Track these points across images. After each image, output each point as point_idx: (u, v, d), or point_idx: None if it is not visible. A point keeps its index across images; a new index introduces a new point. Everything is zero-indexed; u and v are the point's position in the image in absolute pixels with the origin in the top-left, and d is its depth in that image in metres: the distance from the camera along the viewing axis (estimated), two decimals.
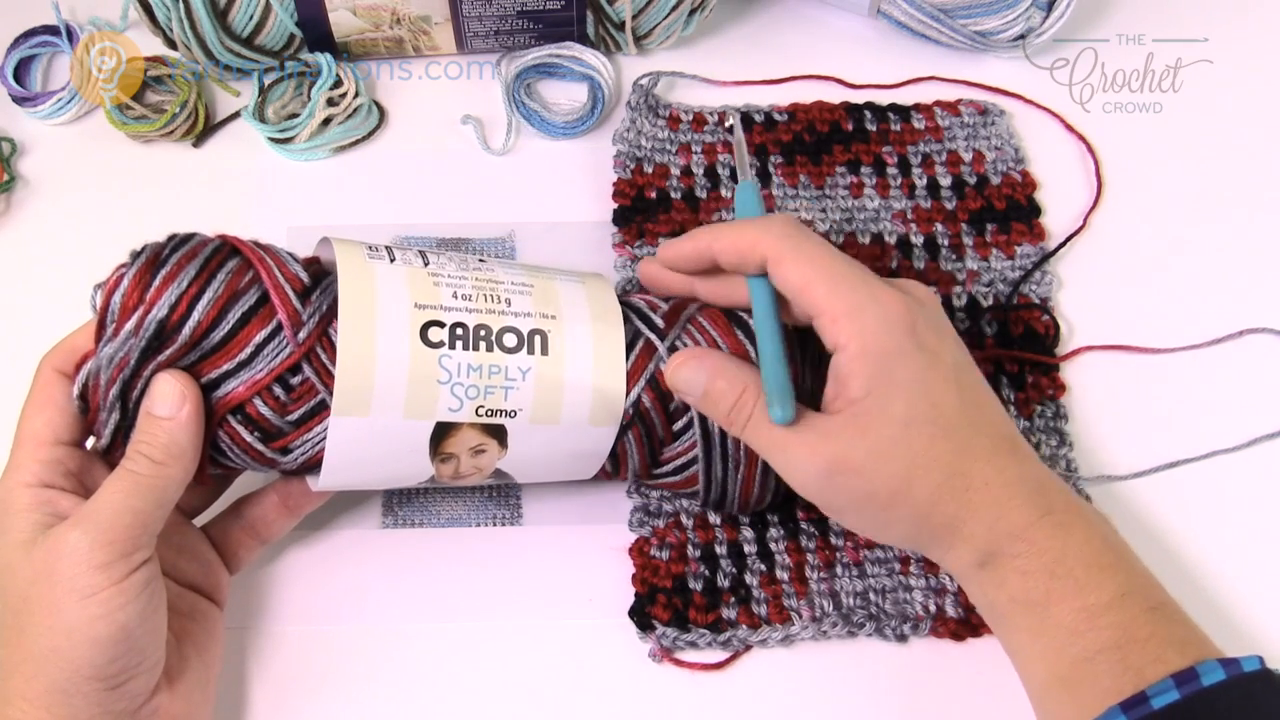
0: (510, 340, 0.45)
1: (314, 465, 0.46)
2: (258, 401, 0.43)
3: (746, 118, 0.64)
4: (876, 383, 0.43)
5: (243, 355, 0.43)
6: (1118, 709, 0.39)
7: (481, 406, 0.45)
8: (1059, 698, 0.42)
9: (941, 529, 0.44)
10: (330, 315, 0.44)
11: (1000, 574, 0.43)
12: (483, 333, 0.45)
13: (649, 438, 0.48)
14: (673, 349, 0.48)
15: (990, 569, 0.43)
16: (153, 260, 0.43)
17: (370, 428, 0.44)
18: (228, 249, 0.44)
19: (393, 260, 0.46)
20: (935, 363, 0.44)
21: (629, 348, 0.48)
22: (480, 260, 0.48)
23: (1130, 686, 0.40)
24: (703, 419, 0.48)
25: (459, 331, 0.45)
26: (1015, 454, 0.44)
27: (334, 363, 0.43)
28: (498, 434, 0.46)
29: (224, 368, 0.43)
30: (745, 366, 0.46)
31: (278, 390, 0.43)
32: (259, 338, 0.43)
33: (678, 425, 0.48)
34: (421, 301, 0.45)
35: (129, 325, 0.42)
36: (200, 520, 0.50)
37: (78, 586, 0.40)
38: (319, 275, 0.45)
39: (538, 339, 0.46)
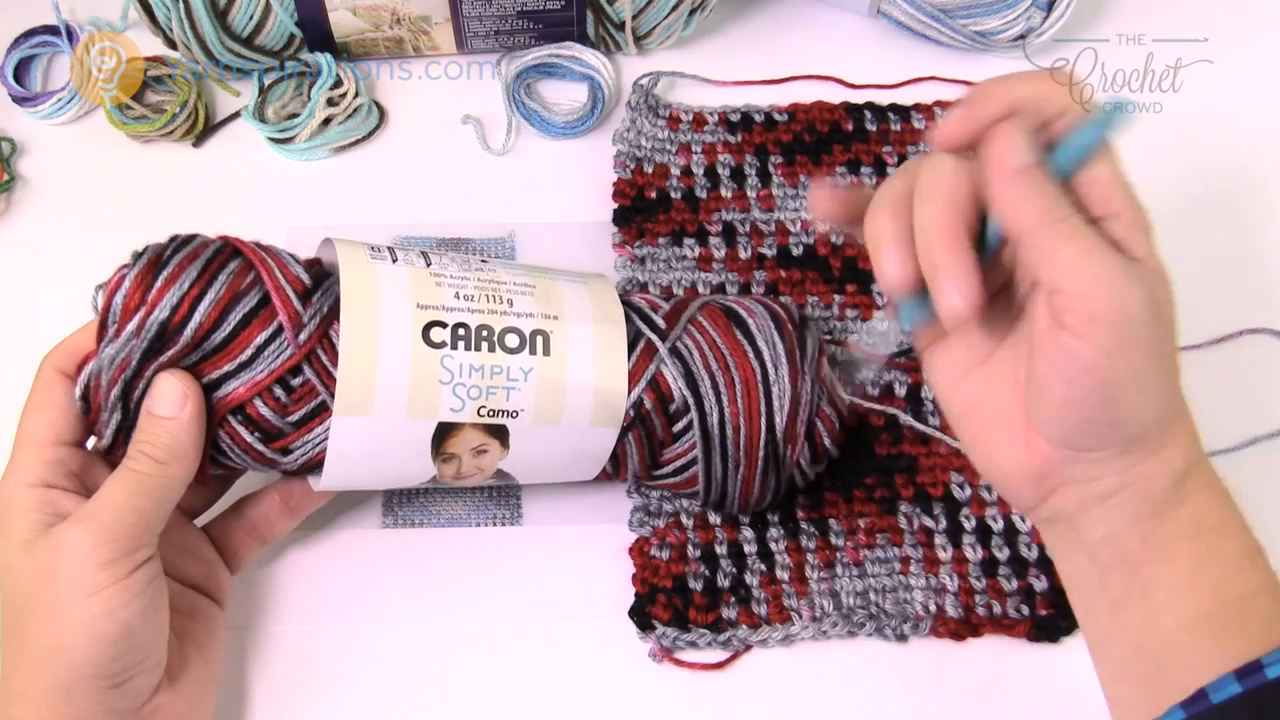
0: (512, 341, 0.45)
1: (315, 466, 0.46)
2: (258, 402, 0.43)
3: (746, 118, 0.64)
4: (1154, 248, 0.40)
5: (243, 356, 0.43)
6: (1231, 676, 0.37)
7: (483, 407, 0.45)
8: (1200, 638, 0.39)
9: (1171, 421, 0.40)
10: (331, 317, 0.44)
11: (1185, 490, 0.40)
12: (485, 333, 0.45)
13: (649, 439, 0.48)
14: (673, 350, 0.48)
15: (1181, 484, 0.40)
16: (154, 261, 0.43)
17: (372, 427, 0.44)
18: (229, 250, 0.44)
19: (395, 261, 0.46)
20: None
21: (630, 348, 0.48)
22: (482, 261, 0.48)
23: (1277, 636, 0.38)
24: (703, 419, 0.48)
25: (461, 332, 0.45)
26: None
27: (335, 364, 0.43)
28: (499, 434, 0.46)
29: (225, 368, 0.43)
30: None
31: (278, 391, 0.43)
32: (260, 339, 0.43)
33: (678, 426, 0.48)
34: (424, 302, 0.45)
35: (131, 326, 0.42)
36: (201, 520, 0.50)
37: (80, 584, 0.40)
38: (320, 276, 0.45)
39: (540, 339, 0.46)
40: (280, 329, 0.43)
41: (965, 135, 0.39)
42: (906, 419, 0.55)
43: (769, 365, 0.48)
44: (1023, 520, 0.54)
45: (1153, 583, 0.40)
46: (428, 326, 0.44)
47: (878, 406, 0.55)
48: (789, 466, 0.49)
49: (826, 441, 0.49)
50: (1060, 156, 0.39)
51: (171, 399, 0.42)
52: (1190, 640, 0.39)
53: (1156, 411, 0.39)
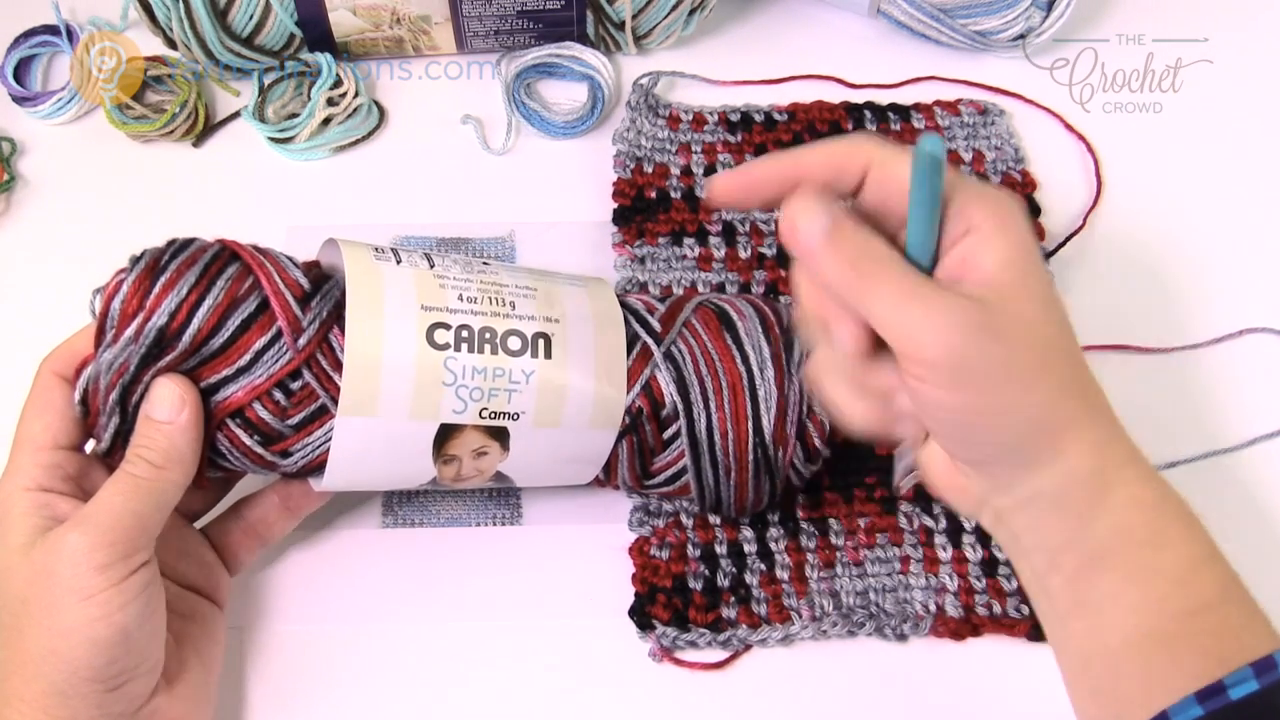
0: (515, 343, 0.46)
1: (315, 468, 0.46)
2: (257, 406, 0.43)
3: (746, 117, 0.64)
4: (1014, 260, 0.38)
5: (242, 361, 0.43)
6: (1193, 698, 0.36)
7: (485, 409, 0.45)
8: (1148, 657, 0.38)
9: (1062, 427, 0.39)
10: (331, 321, 0.44)
11: (1109, 499, 0.39)
12: (488, 335, 0.45)
13: (640, 446, 0.48)
14: (668, 354, 0.48)
15: (1098, 490, 0.39)
16: (152, 266, 0.43)
17: (375, 428, 0.44)
18: (227, 255, 0.44)
19: (399, 262, 0.46)
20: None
21: (627, 352, 0.48)
22: (484, 263, 0.48)
23: (1231, 651, 0.37)
24: (691, 425, 0.47)
25: (464, 334, 0.45)
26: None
27: (335, 368, 0.43)
28: (500, 436, 0.46)
29: (223, 373, 0.43)
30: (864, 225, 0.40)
31: (278, 395, 0.43)
32: (259, 344, 0.43)
33: (668, 433, 0.48)
34: (428, 304, 0.45)
35: (129, 332, 0.42)
36: (200, 523, 0.50)
37: (76, 588, 0.40)
38: (320, 280, 0.45)
39: (541, 342, 0.46)
40: (279, 334, 0.43)
41: (736, 194, 0.41)
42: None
43: (755, 369, 0.48)
44: None
45: (1090, 595, 0.39)
46: (432, 328, 0.44)
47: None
48: (782, 469, 0.49)
49: (817, 442, 0.49)
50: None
51: (169, 404, 0.42)
52: (1139, 658, 0.38)
53: (1026, 429, 0.38)
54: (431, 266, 0.46)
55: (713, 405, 0.47)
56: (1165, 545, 0.39)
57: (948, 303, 0.37)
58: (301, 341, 0.43)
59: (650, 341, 0.48)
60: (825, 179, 0.40)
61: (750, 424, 0.47)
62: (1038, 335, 0.38)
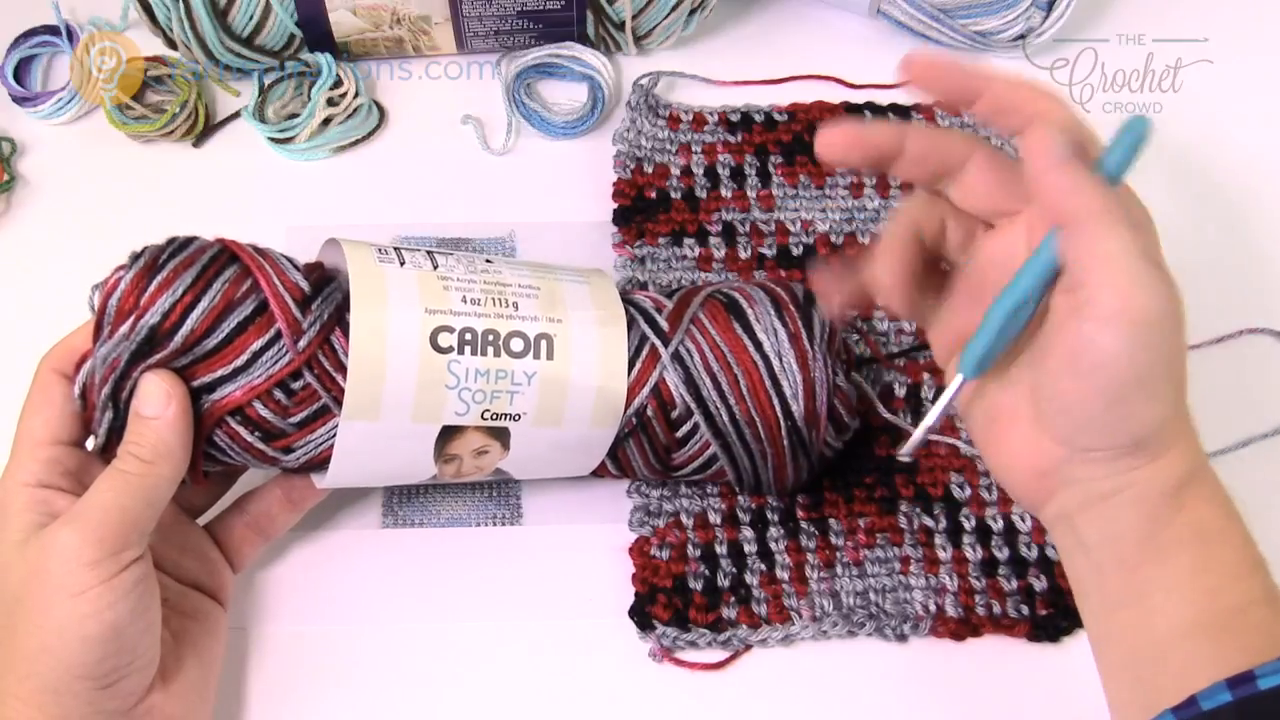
0: (517, 345, 0.46)
1: (317, 464, 0.46)
2: (257, 404, 0.43)
3: (746, 118, 0.64)
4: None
5: (238, 362, 0.43)
6: (1223, 684, 0.37)
7: (487, 410, 0.45)
8: (1195, 647, 0.39)
9: (1173, 428, 0.40)
10: (333, 323, 0.44)
11: (1184, 497, 0.40)
12: (490, 338, 0.45)
13: (651, 444, 0.49)
14: (676, 355, 0.48)
15: (1179, 491, 0.40)
16: (150, 265, 0.43)
17: (378, 431, 0.44)
18: (226, 256, 0.44)
19: (402, 264, 0.46)
20: None
21: (635, 353, 0.48)
22: (487, 261, 0.48)
23: (1272, 648, 0.37)
24: (710, 420, 0.47)
25: (468, 337, 0.45)
26: None
27: (337, 369, 0.44)
28: (501, 436, 0.46)
29: (219, 373, 0.43)
30: None
31: (279, 394, 0.43)
32: (256, 345, 0.43)
33: (680, 432, 0.48)
34: (431, 306, 0.45)
35: (123, 329, 0.42)
36: (203, 519, 0.50)
37: (67, 584, 0.40)
38: (321, 281, 0.45)
39: (544, 343, 0.46)
40: (278, 335, 0.43)
41: (842, 149, 0.41)
42: (967, 448, 0.55)
43: (771, 356, 0.48)
44: (1023, 520, 0.54)
45: (1149, 587, 0.40)
46: (435, 332, 0.44)
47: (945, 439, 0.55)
48: (817, 446, 0.49)
49: (845, 415, 0.49)
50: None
51: (155, 399, 0.42)
52: (1185, 647, 0.39)
53: (1162, 417, 0.39)
54: (435, 267, 0.46)
55: (731, 399, 0.47)
56: (1228, 543, 0.40)
57: (1159, 273, 0.38)
58: (302, 343, 0.43)
59: (657, 343, 0.48)
60: (933, 162, 0.41)
61: (778, 409, 0.48)
62: (1184, 339, 0.39)
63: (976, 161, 0.41)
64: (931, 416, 0.43)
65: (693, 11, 0.65)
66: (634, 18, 0.64)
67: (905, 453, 0.44)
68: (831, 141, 0.41)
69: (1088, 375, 0.38)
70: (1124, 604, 0.40)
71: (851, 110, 0.64)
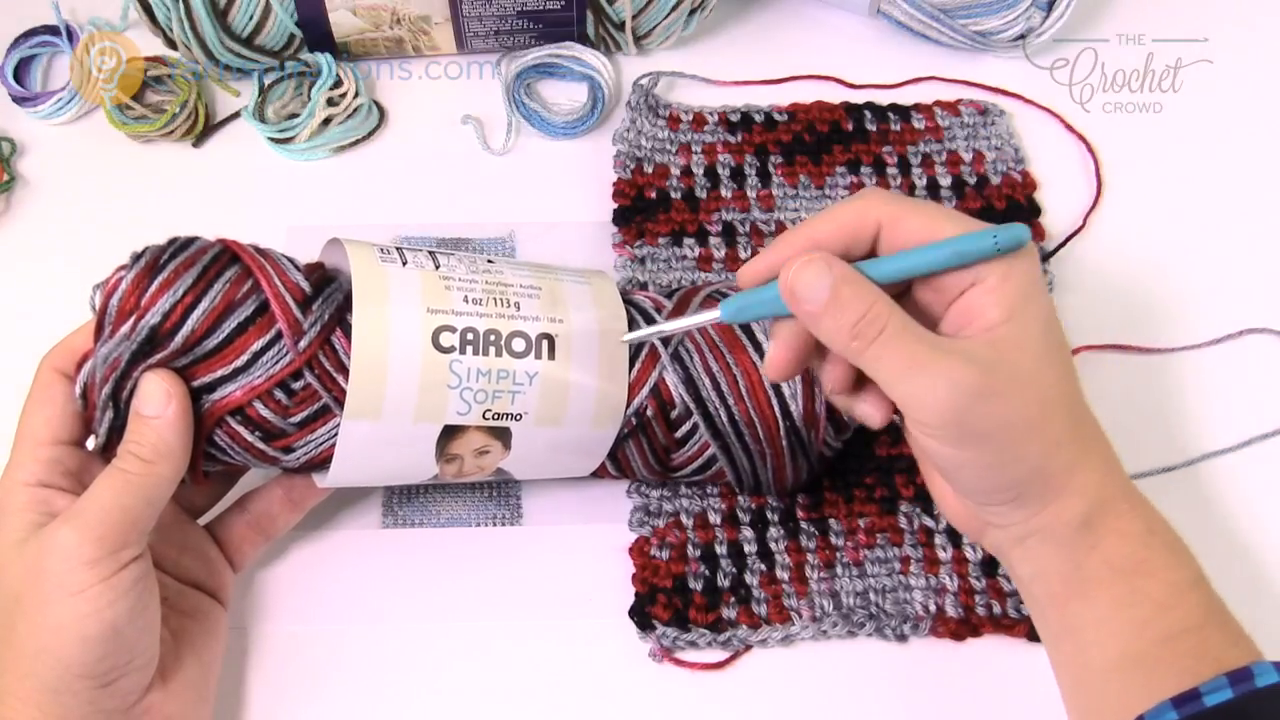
0: (519, 345, 0.46)
1: (318, 464, 0.46)
2: (258, 404, 0.43)
3: (746, 118, 0.64)
4: (1016, 311, 0.39)
5: (239, 362, 0.43)
6: (1169, 704, 0.38)
7: (489, 410, 0.45)
8: (1128, 679, 0.40)
9: (1058, 474, 0.40)
10: (334, 323, 0.44)
11: (1097, 534, 0.40)
12: (492, 338, 0.45)
13: (651, 445, 0.49)
14: (675, 355, 0.48)
15: (1088, 528, 0.40)
16: (151, 265, 0.43)
17: (380, 431, 0.44)
18: (227, 256, 0.44)
19: (405, 264, 0.46)
20: (1050, 304, 0.41)
21: (634, 354, 0.48)
22: (489, 261, 0.48)
23: (1209, 672, 0.38)
24: (709, 421, 0.48)
25: (469, 337, 0.45)
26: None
27: (337, 369, 0.44)
28: (502, 436, 0.46)
29: (219, 373, 0.43)
30: (868, 281, 0.40)
31: (279, 395, 0.43)
32: (256, 346, 0.43)
33: (680, 432, 0.48)
34: (434, 306, 0.45)
35: (124, 329, 0.42)
36: (205, 519, 0.50)
37: (66, 583, 0.40)
38: (322, 282, 0.45)
39: (545, 343, 0.46)
40: (279, 336, 0.43)
41: (766, 277, 0.42)
42: None
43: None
44: None
45: (1077, 622, 0.41)
46: (437, 331, 0.44)
47: None
48: (816, 446, 0.49)
49: (845, 416, 0.49)
50: (884, 266, 0.40)
51: (155, 398, 0.42)
52: (1118, 679, 0.40)
53: (1028, 477, 0.40)
54: (437, 267, 0.46)
55: (730, 400, 0.48)
56: (1150, 574, 0.40)
57: (948, 367, 0.38)
58: (302, 344, 0.43)
59: (657, 343, 0.48)
60: (842, 244, 0.41)
61: (777, 409, 0.48)
62: (1036, 388, 0.39)
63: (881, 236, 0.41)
64: (670, 326, 0.44)
65: (693, 11, 0.65)
66: (634, 18, 0.64)
67: (629, 338, 0.46)
68: (754, 272, 0.42)
69: (938, 463, 0.40)
70: (1061, 637, 0.42)
71: (851, 110, 0.64)
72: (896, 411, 0.41)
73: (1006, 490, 0.41)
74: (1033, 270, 0.40)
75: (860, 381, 0.43)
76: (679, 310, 0.49)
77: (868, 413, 0.43)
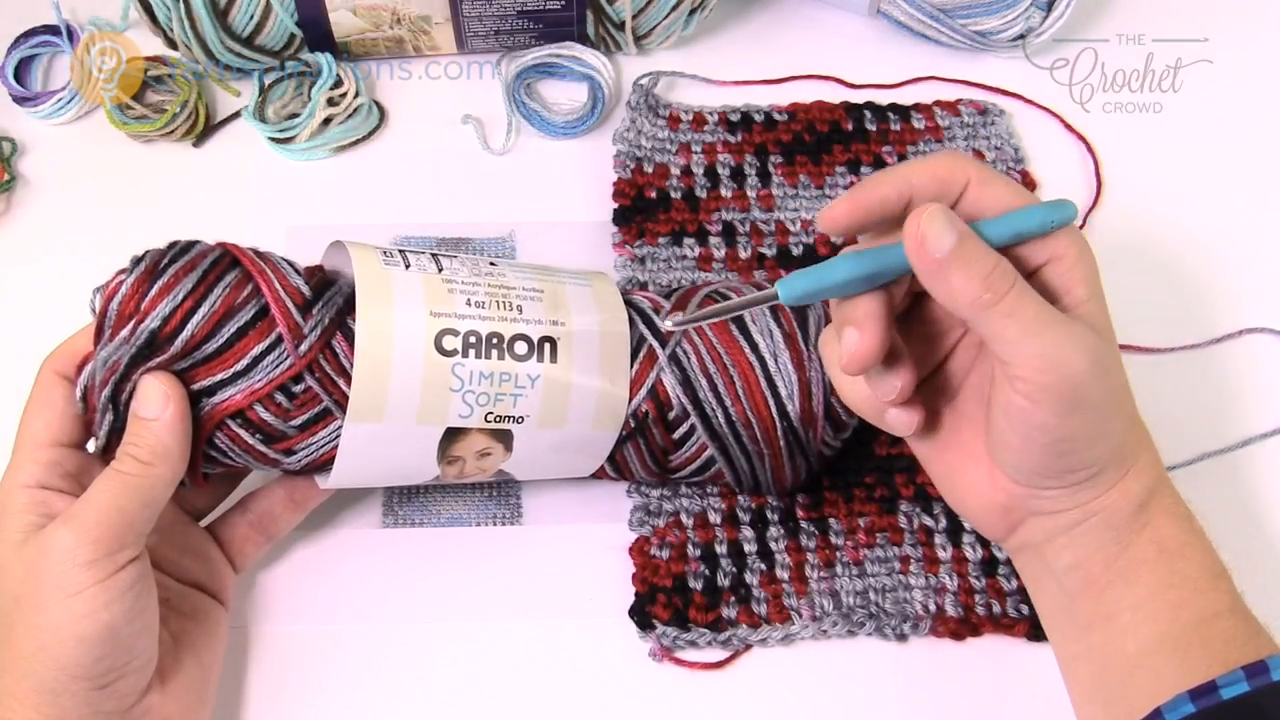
0: (521, 348, 0.46)
1: (319, 466, 0.46)
2: (258, 407, 0.43)
3: (746, 117, 0.64)
4: (1095, 290, 0.40)
5: (239, 366, 0.43)
6: (1186, 696, 0.38)
7: (491, 412, 0.45)
8: (1161, 663, 0.39)
9: (1133, 450, 0.41)
10: (334, 327, 0.44)
11: (1149, 514, 0.41)
12: (495, 341, 0.45)
13: (649, 446, 0.49)
14: (673, 356, 0.48)
15: (1143, 509, 0.41)
16: (151, 269, 0.43)
17: (382, 433, 0.44)
18: (227, 260, 0.44)
19: (407, 266, 0.46)
20: None
21: (632, 354, 0.48)
22: (491, 263, 0.48)
23: (1238, 658, 0.38)
24: (706, 422, 0.48)
25: (472, 340, 0.45)
26: None
27: (338, 372, 0.44)
28: (504, 438, 0.46)
29: (219, 376, 0.43)
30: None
31: (280, 398, 0.43)
32: (256, 350, 0.43)
33: (677, 434, 0.48)
34: (437, 310, 0.45)
35: (124, 332, 0.42)
36: (206, 520, 0.50)
37: (63, 584, 0.40)
38: (322, 285, 0.45)
39: (547, 346, 0.46)
40: (279, 339, 0.43)
41: (848, 220, 0.41)
42: None
43: (766, 355, 0.48)
44: None
45: (1116, 606, 0.41)
46: (440, 335, 0.44)
47: None
48: (814, 446, 0.49)
49: (843, 414, 0.49)
50: (992, 228, 0.39)
51: (154, 400, 0.42)
52: (1152, 662, 0.40)
53: (1110, 456, 0.40)
54: (439, 270, 0.46)
55: (728, 400, 0.48)
56: (1189, 557, 0.41)
57: (1081, 331, 0.38)
58: (303, 348, 0.43)
59: (655, 344, 0.48)
60: (933, 194, 0.40)
61: (774, 409, 0.48)
62: (1118, 372, 0.40)
63: (972, 184, 0.41)
64: (725, 307, 0.42)
65: (693, 11, 0.65)
66: (634, 17, 0.64)
67: (675, 324, 0.42)
68: (834, 216, 0.41)
69: (1029, 436, 0.39)
70: (1093, 625, 0.42)
71: (851, 110, 0.64)
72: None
73: (1089, 467, 0.40)
74: (1090, 249, 0.40)
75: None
76: (675, 311, 0.49)
77: (900, 420, 0.42)
